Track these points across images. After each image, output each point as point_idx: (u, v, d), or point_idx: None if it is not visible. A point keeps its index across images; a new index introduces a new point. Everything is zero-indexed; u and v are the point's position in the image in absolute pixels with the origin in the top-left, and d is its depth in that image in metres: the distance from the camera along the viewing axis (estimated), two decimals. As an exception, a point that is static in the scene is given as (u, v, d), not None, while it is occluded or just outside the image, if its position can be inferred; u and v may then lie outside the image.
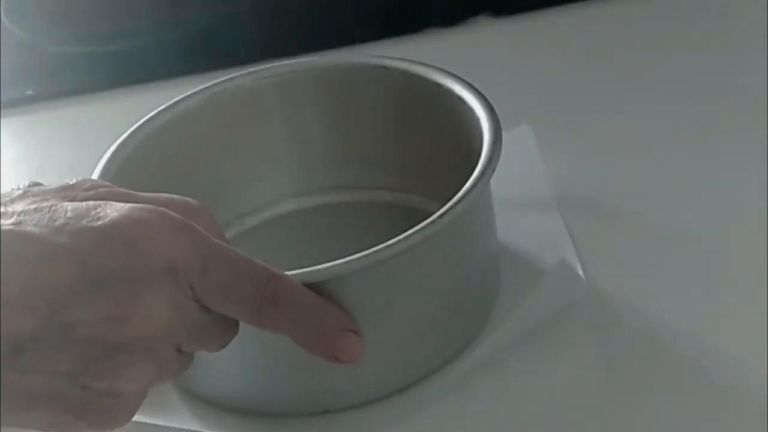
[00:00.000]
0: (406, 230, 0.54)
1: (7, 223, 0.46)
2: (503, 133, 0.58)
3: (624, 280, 0.61)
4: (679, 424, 0.55)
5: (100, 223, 0.46)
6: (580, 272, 0.61)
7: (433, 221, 0.54)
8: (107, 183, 0.51)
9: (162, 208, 0.48)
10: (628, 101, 0.75)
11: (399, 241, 0.53)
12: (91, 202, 0.47)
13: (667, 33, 0.81)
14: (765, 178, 0.65)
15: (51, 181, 0.70)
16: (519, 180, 0.66)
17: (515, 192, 0.65)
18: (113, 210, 0.47)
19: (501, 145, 0.57)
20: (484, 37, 0.83)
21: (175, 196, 0.51)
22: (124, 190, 0.50)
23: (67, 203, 0.47)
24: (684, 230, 0.64)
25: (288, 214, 0.68)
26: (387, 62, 0.64)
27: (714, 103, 0.73)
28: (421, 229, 0.54)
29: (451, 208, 0.55)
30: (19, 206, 0.47)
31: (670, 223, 0.65)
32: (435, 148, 0.64)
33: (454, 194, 0.55)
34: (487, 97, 0.60)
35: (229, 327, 0.51)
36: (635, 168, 0.69)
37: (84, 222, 0.46)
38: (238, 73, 0.65)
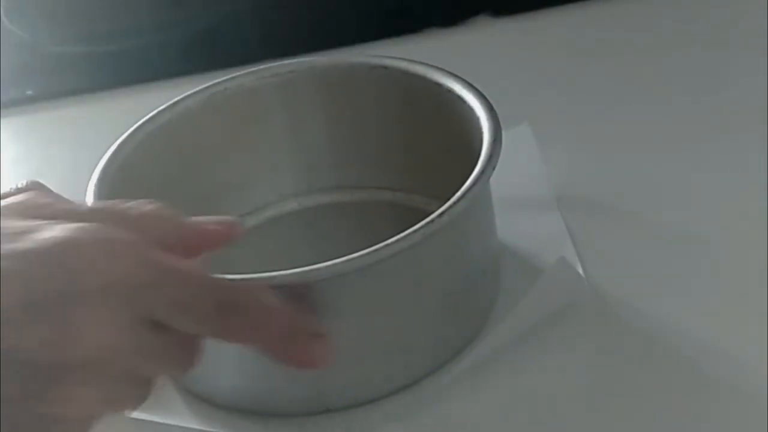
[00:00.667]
0: (407, 230, 0.54)
1: None
2: (503, 132, 0.58)
3: (623, 279, 0.61)
4: (679, 423, 0.55)
5: (35, 245, 0.45)
6: (580, 271, 0.61)
7: (432, 220, 0.54)
8: (51, 194, 0.50)
9: (103, 226, 0.46)
10: (628, 101, 0.75)
11: (398, 240, 0.53)
12: (30, 223, 0.46)
13: (667, 33, 0.81)
14: (765, 178, 0.65)
15: (51, 181, 0.70)
16: (519, 179, 0.66)
17: (515, 191, 0.65)
18: (51, 231, 0.46)
19: (501, 144, 0.57)
20: (484, 37, 0.83)
21: (128, 205, 0.49)
22: (68, 206, 0.49)
23: (2, 223, 0.46)
24: (684, 229, 0.64)
25: (288, 214, 0.68)
26: (387, 62, 0.64)
27: (714, 103, 0.73)
28: (420, 228, 0.54)
29: (450, 207, 0.55)
30: None
31: (669, 222, 0.65)
32: (435, 147, 0.64)
33: (455, 193, 0.55)
34: (487, 97, 0.60)
35: (192, 346, 0.49)
36: (635, 167, 0.69)
37: (19, 244, 0.45)
38: (238, 73, 0.65)
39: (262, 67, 0.66)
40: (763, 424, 0.53)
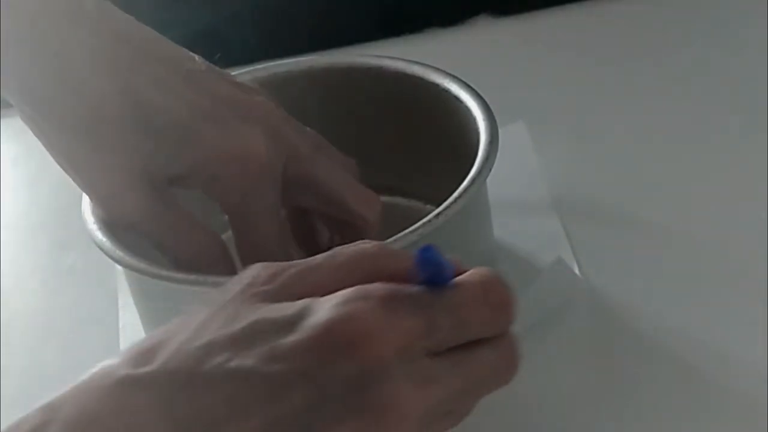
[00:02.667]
0: (403, 230, 0.54)
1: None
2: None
3: (620, 279, 0.61)
4: (677, 423, 0.55)
5: (314, 333, 0.41)
6: (577, 271, 0.61)
7: (429, 221, 0.54)
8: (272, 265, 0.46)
9: (365, 291, 0.43)
10: (628, 101, 0.75)
11: (396, 240, 0.54)
12: (296, 306, 0.43)
13: (667, 33, 0.81)
14: (764, 179, 0.65)
15: (51, 181, 0.70)
16: (514, 177, 0.66)
17: (510, 190, 0.65)
18: (322, 314, 0.42)
19: (497, 145, 0.57)
20: (484, 37, 0.83)
21: (359, 249, 0.45)
22: (303, 268, 0.45)
23: (273, 325, 0.42)
24: (681, 229, 0.64)
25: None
26: (383, 62, 0.64)
27: (713, 104, 0.73)
28: (417, 228, 0.54)
29: (446, 207, 0.55)
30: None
31: (666, 222, 0.65)
32: (432, 147, 0.64)
33: (451, 194, 0.55)
34: (484, 96, 0.60)
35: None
36: (634, 167, 0.69)
37: (291, 338, 0.42)
38: (235, 73, 0.65)
39: (258, 67, 0.66)
40: (762, 426, 0.53)
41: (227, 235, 0.65)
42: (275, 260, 0.50)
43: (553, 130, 0.73)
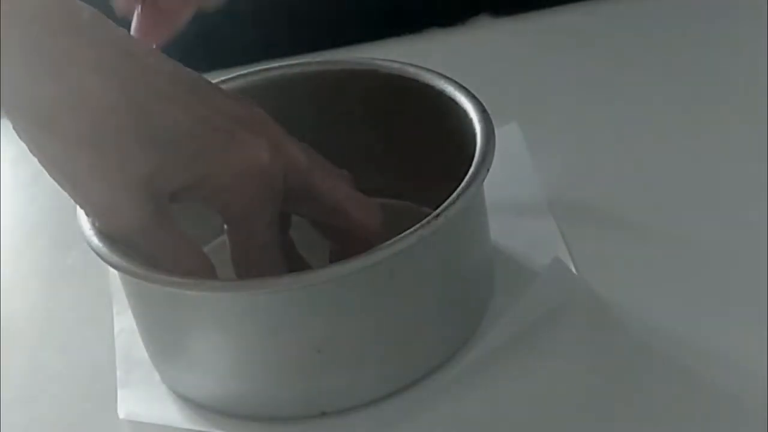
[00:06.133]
0: (400, 232, 0.54)
1: None
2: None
3: (616, 279, 0.61)
4: (676, 424, 0.55)
5: None
6: (573, 271, 0.61)
7: (428, 222, 0.54)
8: None
9: None
10: (626, 102, 0.75)
11: (396, 241, 0.53)
12: None
13: (666, 33, 0.81)
14: (762, 177, 0.65)
15: (51, 181, 0.70)
16: (508, 179, 0.66)
17: (504, 191, 0.65)
18: None
19: (494, 146, 0.57)
20: (484, 37, 0.83)
21: None
22: None
23: None
24: (677, 229, 0.64)
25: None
26: (378, 64, 0.64)
27: (710, 105, 0.73)
28: (416, 229, 0.54)
29: (446, 208, 0.54)
30: None
31: (662, 222, 0.65)
32: (426, 149, 0.64)
33: (448, 196, 0.55)
34: (479, 98, 0.60)
35: None
36: (630, 168, 0.69)
37: None
38: (230, 75, 0.65)
39: (252, 69, 0.66)
40: (763, 426, 0.53)
41: (219, 241, 0.65)
42: (268, 270, 0.52)
43: (553, 130, 0.73)
